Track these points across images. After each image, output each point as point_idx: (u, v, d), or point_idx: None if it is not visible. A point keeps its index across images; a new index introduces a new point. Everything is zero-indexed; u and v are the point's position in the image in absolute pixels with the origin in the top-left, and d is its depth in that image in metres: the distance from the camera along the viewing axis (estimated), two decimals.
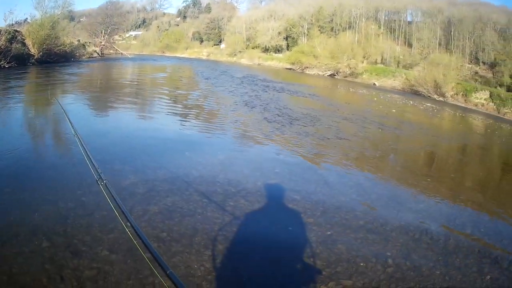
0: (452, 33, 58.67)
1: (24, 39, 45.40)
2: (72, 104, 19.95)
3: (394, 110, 27.69)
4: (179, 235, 6.72)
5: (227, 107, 21.53)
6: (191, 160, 10.95)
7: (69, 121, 6.66)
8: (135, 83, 33.97)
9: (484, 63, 56.51)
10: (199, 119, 18.03)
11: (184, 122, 17.07)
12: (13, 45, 40.99)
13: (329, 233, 7.32)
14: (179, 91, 28.86)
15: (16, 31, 45.21)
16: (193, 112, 19.81)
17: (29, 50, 45.13)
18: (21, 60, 41.40)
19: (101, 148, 11.22)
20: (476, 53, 57.71)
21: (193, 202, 8.00)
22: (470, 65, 55.51)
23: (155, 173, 9.49)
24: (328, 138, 15.55)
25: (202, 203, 7.98)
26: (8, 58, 38.26)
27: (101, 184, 4.03)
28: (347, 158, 12.96)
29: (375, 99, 34.66)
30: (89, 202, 7.72)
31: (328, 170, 11.48)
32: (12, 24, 46.13)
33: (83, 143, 5.09)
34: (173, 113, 19.41)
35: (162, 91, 28.62)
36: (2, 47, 38.67)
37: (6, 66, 37.48)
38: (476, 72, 54.76)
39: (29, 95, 22.81)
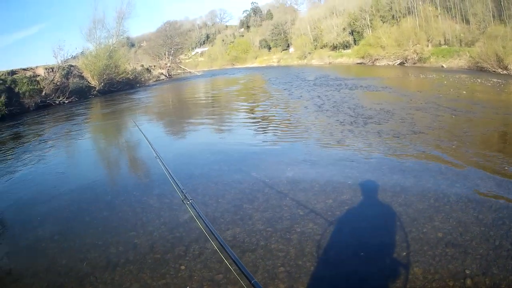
0: (502, 2, 56.98)
1: (81, 73, 47.28)
2: (148, 129, 21.40)
3: (464, 92, 26.65)
4: None
5: (299, 114, 21.28)
6: (257, 181, 10.83)
7: (150, 145, 7.59)
8: (203, 100, 34.72)
9: None
10: (268, 131, 18.05)
11: (255, 136, 17.19)
12: (70, 80, 42.43)
13: None
14: (250, 104, 28.93)
15: (71, 65, 46.92)
16: (263, 125, 19.84)
17: (88, 82, 46.76)
18: (82, 94, 43.18)
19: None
20: None
21: (256, 233, 7.84)
22: None
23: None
24: (403, 134, 15.11)
25: (266, 233, 7.82)
26: (67, 93, 39.73)
27: (187, 204, 4.35)
28: (425, 155, 12.45)
29: (445, 82, 33.49)
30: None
31: (406, 173, 10.88)
32: (66, 60, 47.19)
33: (166, 166, 5.60)
34: (243, 127, 19.89)
35: (234, 105, 29.16)
36: (58, 83, 40.20)
37: (66, 101, 39.17)
38: None
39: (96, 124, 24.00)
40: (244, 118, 22.47)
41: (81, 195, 11.29)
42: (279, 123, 19.74)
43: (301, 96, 28.98)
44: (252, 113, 23.95)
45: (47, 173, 14.30)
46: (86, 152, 17.96)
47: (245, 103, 29.59)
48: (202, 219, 3.87)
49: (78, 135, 22.30)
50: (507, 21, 53.22)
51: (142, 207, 9.72)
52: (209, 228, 3.68)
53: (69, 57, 50.48)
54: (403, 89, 31.06)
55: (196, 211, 4.12)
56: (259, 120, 21.41)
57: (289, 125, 18.88)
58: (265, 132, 17.84)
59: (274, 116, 22.08)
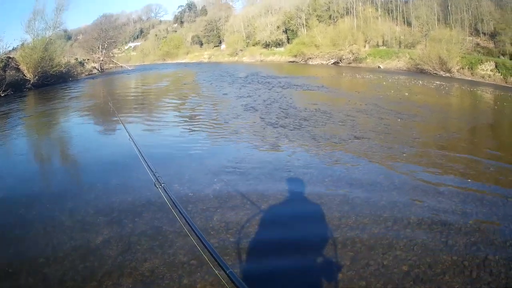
0: (449, 7, 57.44)
1: (18, 65, 44.50)
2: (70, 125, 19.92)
3: (406, 94, 25.66)
4: None
5: (227, 114, 19.31)
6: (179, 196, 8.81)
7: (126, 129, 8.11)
8: (132, 96, 32.48)
9: (484, 33, 54.93)
10: (194, 132, 16.11)
11: (180, 138, 15.10)
12: (7, 72, 39.66)
13: None
14: (177, 101, 26.94)
15: (9, 57, 44.22)
16: (189, 124, 17.84)
17: (24, 75, 44.06)
18: (17, 87, 40.28)
19: None
20: (475, 25, 56.05)
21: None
22: (471, 37, 54.22)
23: None
24: (344, 140, 13.32)
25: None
26: (3, 86, 36.93)
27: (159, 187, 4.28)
28: (373, 165, 10.80)
29: (384, 83, 32.67)
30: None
31: (353, 187, 9.14)
32: (6, 52, 44.74)
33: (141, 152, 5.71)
34: (167, 127, 17.67)
35: (161, 102, 26.96)
36: None
37: (2, 94, 36.21)
38: (478, 44, 53.46)
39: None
40: (170, 117, 20.54)
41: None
42: (206, 123, 17.86)
43: (230, 94, 27.38)
44: (179, 111, 22.23)
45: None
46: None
47: (173, 100, 27.60)
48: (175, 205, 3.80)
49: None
50: (453, 25, 53.86)
51: None
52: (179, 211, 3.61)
53: (10, 49, 49.14)
54: (340, 89, 30.42)
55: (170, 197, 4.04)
56: (186, 119, 19.56)
57: (217, 125, 17.09)
58: (192, 133, 16.06)
59: (201, 115, 20.26)
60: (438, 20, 58.74)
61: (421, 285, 5.56)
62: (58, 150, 15.60)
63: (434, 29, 55.15)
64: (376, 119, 16.97)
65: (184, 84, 41.49)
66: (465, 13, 56.68)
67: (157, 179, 4.39)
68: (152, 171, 4.67)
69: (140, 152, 5.70)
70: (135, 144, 6.22)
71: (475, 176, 9.81)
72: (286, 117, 17.54)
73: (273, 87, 30.08)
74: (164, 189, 4.16)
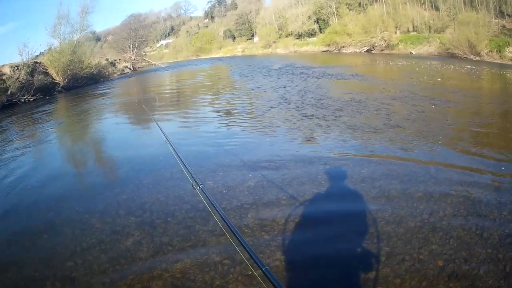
0: None
1: (46, 69, 45.31)
2: (108, 125, 20.35)
3: (439, 79, 25.38)
4: None
5: (261, 108, 19.39)
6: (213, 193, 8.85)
7: (161, 130, 7.66)
8: (167, 94, 32.83)
9: (509, 15, 53.86)
10: (230, 126, 16.37)
11: (215, 133, 15.25)
12: (35, 77, 40.40)
13: None
14: (212, 96, 26.90)
15: (36, 62, 44.77)
16: (223, 118, 18.14)
17: (53, 79, 45.03)
18: (47, 91, 41.22)
19: None
20: (500, 7, 55.11)
21: None
22: (497, 20, 53.29)
23: None
24: (380, 129, 13.31)
25: None
26: (32, 91, 37.76)
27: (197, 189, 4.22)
28: (409, 155, 10.70)
29: (417, 69, 32.31)
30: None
31: (390, 178, 9.10)
32: (33, 57, 45.27)
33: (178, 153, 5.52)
34: (203, 123, 17.79)
35: (197, 98, 27.19)
36: (23, 81, 38.29)
37: (31, 99, 37.11)
38: (504, 26, 52.17)
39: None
40: (206, 112, 20.55)
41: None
42: (242, 117, 17.92)
43: (265, 87, 27.40)
44: (214, 107, 22.11)
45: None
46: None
47: (207, 96, 27.66)
48: (213, 205, 3.69)
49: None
50: (478, 8, 53.05)
51: None
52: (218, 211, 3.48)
53: (37, 54, 49.53)
54: (374, 77, 29.68)
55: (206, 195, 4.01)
56: (221, 114, 19.58)
57: (253, 119, 17.11)
58: (227, 128, 16.12)
59: (236, 109, 20.35)
60: (464, 3, 57.90)
61: (455, 282, 5.52)
62: (91, 152, 15.88)
63: (461, 13, 54.39)
64: (410, 106, 16.86)
65: (219, 78, 41.75)
66: None
67: (195, 180, 4.35)
68: (190, 173, 4.60)
69: (177, 153, 5.58)
70: (171, 145, 6.08)
71: (509, 164, 9.66)
72: (321, 108, 17.52)
73: (307, 77, 30.01)
74: (202, 190, 4.11)
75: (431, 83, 24.14)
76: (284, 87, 25.55)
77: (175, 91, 34.74)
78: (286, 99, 20.98)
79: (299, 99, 20.58)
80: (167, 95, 32.13)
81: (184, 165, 4.91)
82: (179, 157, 5.35)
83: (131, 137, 17.40)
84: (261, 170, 10.19)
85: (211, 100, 24.92)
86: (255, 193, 8.76)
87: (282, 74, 34.72)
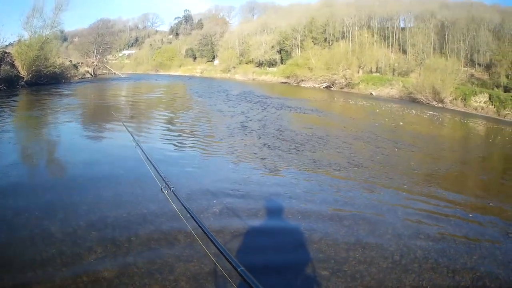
0: (446, 36, 58.01)
1: (13, 61, 43.96)
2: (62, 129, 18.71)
3: (401, 123, 25.72)
4: None
5: (222, 132, 18.92)
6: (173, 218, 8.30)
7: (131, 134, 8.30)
8: (126, 105, 31.57)
9: (479, 65, 55.54)
10: (188, 148, 15.57)
11: (174, 152, 14.44)
12: (2, 67, 39.34)
13: None
14: (171, 114, 26.22)
15: (5, 52, 43.69)
16: (183, 139, 17.26)
17: (18, 72, 43.49)
18: (10, 83, 39.96)
19: None
20: (471, 55, 56.66)
21: None
22: (466, 68, 54.61)
23: None
24: (344, 167, 13.10)
25: None
26: None
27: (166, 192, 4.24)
28: (372, 191, 10.66)
29: (377, 110, 32.81)
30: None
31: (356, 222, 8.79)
32: (4, 46, 44.21)
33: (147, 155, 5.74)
34: (160, 141, 16.75)
35: (155, 114, 26.14)
36: None
37: None
38: (472, 75, 53.82)
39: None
40: (164, 130, 19.69)
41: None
42: (202, 139, 17.28)
43: (224, 112, 27.05)
44: (172, 125, 21.48)
45: None
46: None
47: (166, 113, 26.97)
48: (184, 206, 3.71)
49: None
50: (448, 55, 53.90)
51: None
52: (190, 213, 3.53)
53: (6, 44, 48.40)
54: (335, 114, 30.11)
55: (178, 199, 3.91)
56: (180, 133, 18.80)
57: (214, 143, 16.57)
58: (187, 149, 15.38)
59: (197, 131, 19.60)
60: (434, 49, 59.08)
61: None
62: (46, 153, 14.77)
63: (430, 58, 55.35)
64: (373, 147, 16.90)
65: (178, 97, 41.43)
66: (462, 43, 57.06)
67: (166, 183, 4.28)
68: (161, 176, 4.53)
69: (146, 156, 5.66)
70: (140, 147, 6.18)
71: (476, 213, 9.73)
72: (282, 140, 17.31)
73: (267, 107, 30.09)
74: (174, 193, 4.06)
75: (393, 126, 24.47)
76: (244, 114, 25.42)
77: (134, 102, 34.02)
78: (247, 127, 20.74)
79: (260, 128, 20.45)
80: (127, 105, 31.24)
81: (155, 168, 5.00)
82: (148, 159, 5.50)
83: (91, 141, 16.53)
84: (226, 197, 9.74)
85: (169, 118, 24.37)
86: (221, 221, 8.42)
87: (241, 100, 34.79)
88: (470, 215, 9.51)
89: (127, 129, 8.50)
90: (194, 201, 9.19)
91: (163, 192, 4.24)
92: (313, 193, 10.41)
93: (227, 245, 7.18)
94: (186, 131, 19.50)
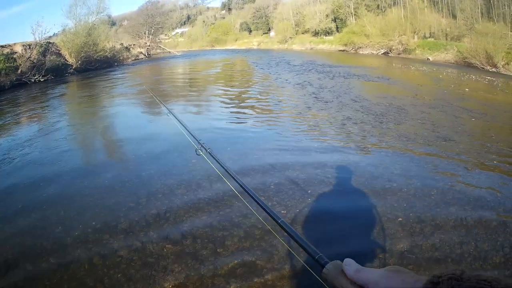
0: (492, 1, 55.99)
1: (59, 50, 45.13)
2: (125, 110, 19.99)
3: (467, 89, 24.77)
4: None
5: (297, 106, 18.32)
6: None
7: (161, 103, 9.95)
8: (187, 83, 31.82)
9: None
10: (266, 122, 15.22)
11: (248, 134, 13.76)
12: (47, 58, 40.02)
13: None
14: (237, 89, 25.82)
15: (49, 42, 44.48)
16: (257, 119, 16.15)
17: (66, 60, 44.57)
18: (58, 71, 40.97)
19: None
20: None
21: None
22: None
23: None
24: (432, 141, 12.42)
25: None
26: (43, 71, 37.36)
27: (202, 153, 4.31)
28: (469, 169, 9.88)
29: (440, 76, 31.79)
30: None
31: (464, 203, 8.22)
32: (46, 37, 44.78)
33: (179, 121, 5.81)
34: (229, 116, 16.81)
35: (218, 89, 26.00)
36: (35, 61, 37.77)
37: (42, 80, 36.72)
38: None
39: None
40: (231, 107, 19.28)
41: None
42: (276, 115, 16.64)
43: (292, 83, 26.56)
44: (242, 101, 20.68)
45: None
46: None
47: (235, 89, 26.08)
48: (221, 165, 3.66)
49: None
50: (495, 19, 52.20)
51: None
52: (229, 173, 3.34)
53: (50, 35, 49.60)
54: (401, 81, 29.00)
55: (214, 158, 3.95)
56: (257, 110, 18.26)
57: (290, 119, 15.87)
58: (260, 130, 14.40)
59: (269, 105, 19.15)
60: (481, 13, 57.28)
61: None
62: (95, 135, 15.07)
63: (478, 23, 53.87)
64: (451, 117, 16.19)
65: (240, 71, 40.95)
66: (507, 7, 55.29)
67: (201, 145, 4.35)
68: (196, 139, 4.58)
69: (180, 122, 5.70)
70: (174, 115, 6.28)
71: None
72: (362, 112, 16.63)
73: (334, 76, 29.43)
74: (210, 154, 4.07)
75: (460, 92, 23.61)
76: (313, 85, 24.83)
77: (198, 79, 34.36)
78: (322, 98, 20.21)
79: (335, 99, 19.84)
80: (194, 82, 31.79)
81: (188, 131, 5.08)
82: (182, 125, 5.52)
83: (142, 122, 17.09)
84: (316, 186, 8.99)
85: (238, 93, 23.78)
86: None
87: (306, 70, 34.14)
88: None
89: (161, 103, 9.51)
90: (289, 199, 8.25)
91: (198, 154, 4.28)
92: (410, 174, 9.59)
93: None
94: (258, 107, 18.84)
